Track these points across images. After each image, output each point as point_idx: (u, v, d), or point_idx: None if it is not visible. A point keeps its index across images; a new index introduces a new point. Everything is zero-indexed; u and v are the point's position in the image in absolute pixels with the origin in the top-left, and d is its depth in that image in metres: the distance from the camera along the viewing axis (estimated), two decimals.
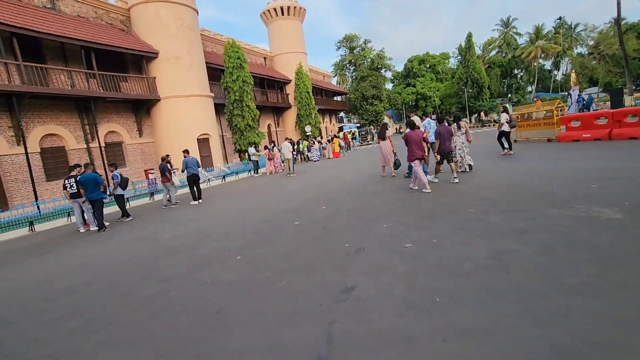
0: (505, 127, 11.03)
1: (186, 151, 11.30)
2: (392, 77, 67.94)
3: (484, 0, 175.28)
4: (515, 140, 14.42)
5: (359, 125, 52.45)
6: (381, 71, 54.34)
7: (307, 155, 23.17)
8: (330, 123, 44.26)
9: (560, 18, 54.86)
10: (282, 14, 31.95)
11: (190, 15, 19.16)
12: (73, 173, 8.88)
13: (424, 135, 7.73)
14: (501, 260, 3.45)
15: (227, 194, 12.25)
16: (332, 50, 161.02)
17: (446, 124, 8.28)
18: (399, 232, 4.82)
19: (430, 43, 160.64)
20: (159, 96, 18.29)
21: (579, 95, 18.74)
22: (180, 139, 18.64)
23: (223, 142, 24.94)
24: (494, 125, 35.31)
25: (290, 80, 32.25)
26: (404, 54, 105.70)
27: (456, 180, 7.82)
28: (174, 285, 4.01)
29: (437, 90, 62.70)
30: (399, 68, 68.53)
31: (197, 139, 19.33)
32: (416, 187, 7.77)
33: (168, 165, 11.14)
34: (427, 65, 67.85)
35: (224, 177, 17.35)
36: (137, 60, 18.04)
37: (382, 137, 10.26)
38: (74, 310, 3.70)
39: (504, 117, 11.03)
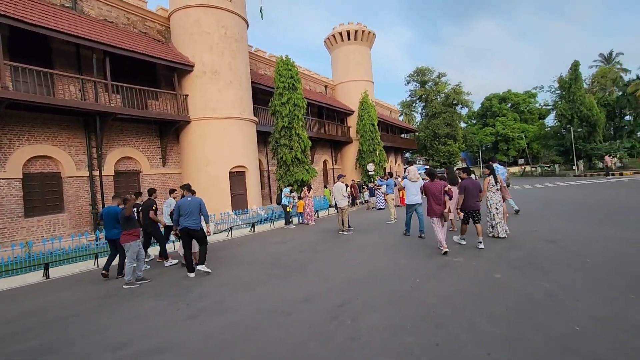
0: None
1: (186, 187, 6.77)
2: (466, 116, 60.93)
3: (567, 40, 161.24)
4: None
5: (427, 167, 45.97)
6: (457, 108, 48.17)
7: (365, 200, 17.80)
8: (396, 163, 38.56)
9: None
10: (349, 39, 28.35)
11: (237, 24, 15.84)
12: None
13: (446, 188, 6.49)
14: None
15: (236, 264, 7.21)
16: (395, 93, 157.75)
17: (474, 177, 7.13)
18: None
19: (504, 84, 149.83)
20: (189, 117, 14.73)
21: None
22: (209, 170, 14.65)
23: (268, 178, 20.75)
24: (619, 174, 26.73)
25: (353, 112, 27.82)
26: (473, 96, 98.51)
27: (481, 246, 6.38)
28: None
29: (522, 132, 53.83)
30: (473, 107, 61.29)
31: (230, 172, 15.17)
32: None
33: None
34: (509, 104, 59.66)
35: (252, 225, 12.61)
36: (170, 75, 14.88)
37: (453, 182, 8.21)
38: None
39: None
